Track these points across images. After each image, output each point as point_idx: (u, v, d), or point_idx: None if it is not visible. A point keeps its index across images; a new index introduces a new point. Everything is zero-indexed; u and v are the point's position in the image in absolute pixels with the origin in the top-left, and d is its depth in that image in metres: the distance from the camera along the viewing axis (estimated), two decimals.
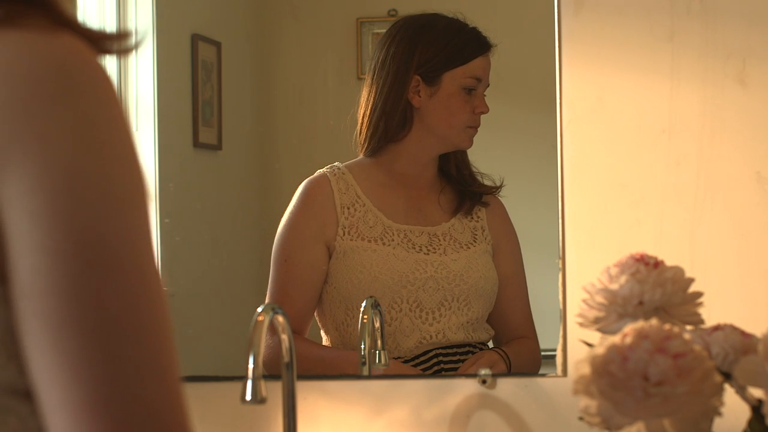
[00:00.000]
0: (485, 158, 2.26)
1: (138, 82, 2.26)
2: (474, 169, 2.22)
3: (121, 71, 2.24)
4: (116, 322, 0.82)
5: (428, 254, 2.16)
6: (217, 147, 2.37)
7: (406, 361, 2.13)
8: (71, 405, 0.81)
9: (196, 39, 2.33)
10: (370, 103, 2.17)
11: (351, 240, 2.16)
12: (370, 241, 2.16)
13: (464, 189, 2.21)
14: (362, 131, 2.19)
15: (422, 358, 2.14)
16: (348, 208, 2.18)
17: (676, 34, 2.00)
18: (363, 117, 2.18)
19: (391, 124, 2.17)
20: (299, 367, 1.90)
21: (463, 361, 2.15)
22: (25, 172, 0.81)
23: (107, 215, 0.83)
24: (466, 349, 2.17)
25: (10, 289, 0.83)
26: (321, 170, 2.20)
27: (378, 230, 2.17)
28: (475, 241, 2.19)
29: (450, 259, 2.17)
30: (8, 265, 0.82)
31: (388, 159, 2.20)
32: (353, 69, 2.35)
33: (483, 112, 2.17)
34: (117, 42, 0.92)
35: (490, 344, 2.20)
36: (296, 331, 2.13)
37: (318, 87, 2.37)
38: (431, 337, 2.14)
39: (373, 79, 2.17)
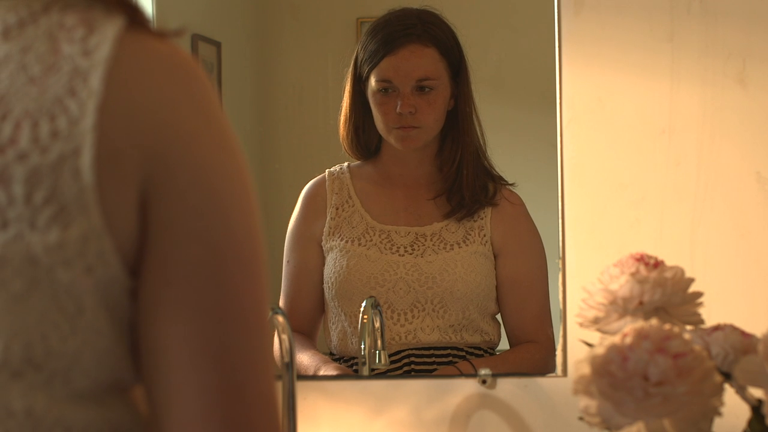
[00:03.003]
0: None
1: None
2: (487, 168, 2.17)
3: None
4: (252, 314, 0.89)
5: (403, 256, 2.14)
6: None
7: None
8: (209, 387, 0.86)
9: (196, 39, 2.33)
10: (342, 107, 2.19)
11: (333, 240, 2.17)
12: (347, 242, 2.16)
13: (459, 190, 2.17)
14: (344, 137, 2.20)
15: (393, 358, 2.13)
16: (338, 209, 2.18)
17: (676, 34, 2.00)
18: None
19: (358, 128, 2.18)
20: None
21: (438, 363, 2.13)
22: (183, 170, 0.87)
23: (249, 211, 0.90)
24: (447, 351, 2.14)
25: (145, 283, 0.87)
26: (327, 170, 2.22)
27: (359, 230, 2.16)
28: (466, 242, 2.16)
29: (425, 261, 2.14)
30: (149, 262, 0.87)
31: (382, 160, 2.21)
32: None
33: (402, 112, 2.12)
34: None
35: (502, 347, 2.18)
36: (304, 333, 2.14)
37: (318, 87, 2.37)
38: (401, 338, 2.13)
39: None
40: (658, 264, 1.41)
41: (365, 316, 2.07)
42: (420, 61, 2.14)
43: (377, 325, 2.07)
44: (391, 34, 2.14)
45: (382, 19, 2.17)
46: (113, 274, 0.86)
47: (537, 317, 2.16)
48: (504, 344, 2.19)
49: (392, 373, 2.12)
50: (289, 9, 2.39)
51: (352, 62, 2.18)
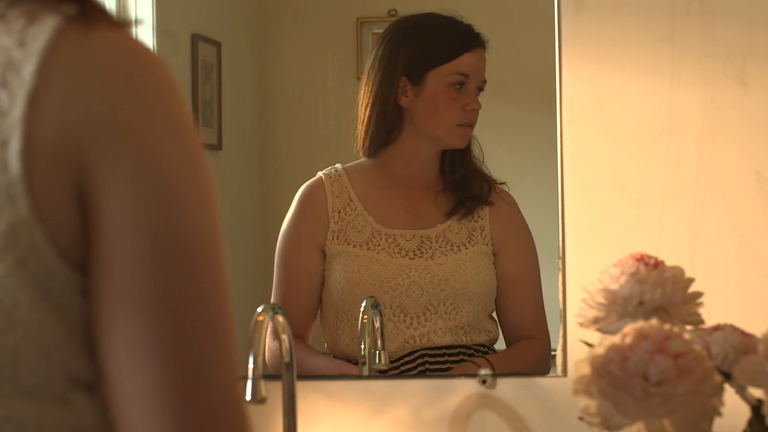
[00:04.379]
0: (485, 158, 2.26)
1: None
2: (480, 168, 2.19)
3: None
4: (205, 308, 0.86)
5: (413, 259, 2.15)
6: (217, 147, 2.37)
7: (391, 362, 2.13)
8: (160, 387, 0.83)
9: (196, 39, 2.33)
10: (363, 106, 2.17)
11: (338, 245, 2.16)
12: (355, 246, 2.15)
13: (458, 193, 2.19)
14: (359, 134, 2.19)
15: (406, 359, 2.14)
16: (339, 212, 2.18)
17: (676, 34, 2.00)
18: (358, 120, 2.18)
19: (382, 126, 2.16)
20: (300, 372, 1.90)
21: (451, 362, 2.14)
22: (122, 161, 0.84)
23: (197, 202, 0.87)
24: (458, 350, 2.15)
25: (93, 279, 0.85)
26: (320, 173, 2.20)
27: (365, 235, 2.16)
28: (471, 242, 2.17)
29: (436, 264, 2.15)
30: (94, 256, 0.85)
31: (384, 161, 2.20)
32: (353, 69, 2.35)
33: (474, 109, 2.15)
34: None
35: (499, 345, 2.19)
36: (299, 336, 2.13)
37: (318, 87, 2.37)
38: (415, 341, 2.14)
39: (366, 81, 2.17)
40: (658, 264, 1.41)
41: (365, 316, 2.07)
42: (484, 63, 2.18)
43: (377, 325, 2.07)
44: (467, 33, 2.16)
45: (434, 20, 2.17)
46: (50, 267, 0.84)
47: (535, 313, 2.17)
48: (500, 341, 2.20)
49: (407, 374, 2.12)
50: (289, 9, 2.39)
51: (384, 62, 2.15)
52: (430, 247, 2.16)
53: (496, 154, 2.26)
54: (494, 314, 2.20)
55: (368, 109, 2.17)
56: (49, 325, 0.85)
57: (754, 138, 2.00)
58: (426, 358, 2.14)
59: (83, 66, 0.85)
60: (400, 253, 2.15)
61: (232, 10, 2.46)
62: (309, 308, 2.18)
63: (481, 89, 2.16)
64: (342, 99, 2.33)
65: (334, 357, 2.17)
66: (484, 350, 2.17)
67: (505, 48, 2.26)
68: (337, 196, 2.19)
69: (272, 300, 2.18)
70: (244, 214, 2.42)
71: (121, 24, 0.89)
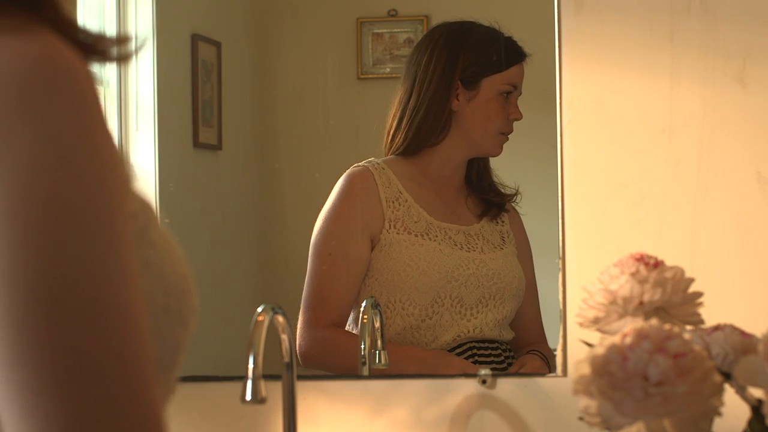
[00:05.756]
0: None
1: (138, 82, 2.26)
2: (495, 179, 2.25)
3: (121, 71, 2.24)
4: (69, 356, 0.75)
5: (469, 252, 2.19)
6: (217, 147, 2.37)
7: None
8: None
9: (196, 39, 2.33)
10: (412, 105, 2.19)
11: (397, 233, 2.18)
12: (416, 236, 2.18)
13: (484, 196, 2.25)
14: (400, 132, 2.20)
15: (458, 350, 2.17)
16: (393, 202, 2.20)
17: (676, 34, 2.00)
18: (401, 119, 2.19)
19: (433, 127, 2.20)
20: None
21: (493, 356, 2.18)
22: None
23: (62, 240, 0.76)
24: (495, 345, 2.19)
25: None
26: (360, 164, 2.21)
27: (422, 225, 2.19)
28: (505, 244, 2.24)
29: (489, 258, 2.20)
30: None
31: (423, 160, 2.22)
32: (353, 69, 2.35)
33: (517, 119, 2.20)
34: (116, 47, 0.89)
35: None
36: (338, 324, 2.15)
37: (318, 87, 2.37)
38: (468, 332, 2.17)
39: (415, 81, 2.19)
40: (658, 264, 1.41)
41: (365, 316, 2.07)
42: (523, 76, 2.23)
43: (377, 325, 2.07)
44: (515, 46, 2.21)
45: (478, 28, 2.21)
46: None
47: (539, 320, 2.23)
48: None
49: (461, 356, 2.16)
50: (289, 9, 2.39)
51: (441, 64, 2.18)
52: (477, 243, 2.21)
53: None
54: None
55: (417, 109, 2.19)
56: None
57: (754, 138, 2.00)
58: (475, 350, 2.17)
59: None
60: (456, 245, 2.19)
61: (232, 10, 2.46)
62: (352, 297, 2.19)
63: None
64: (342, 99, 2.33)
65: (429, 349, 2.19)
66: (510, 347, 2.22)
67: None
68: (387, 187, 2.21)
69: (308, 288, 2.18)
70: (244, 214, 2.42)
71: (35, 25, 0.80)
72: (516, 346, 2.22)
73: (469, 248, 2.20)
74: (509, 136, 2.22)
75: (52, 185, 0.76)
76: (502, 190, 2.25)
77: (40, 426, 0.74)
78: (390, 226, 2.18)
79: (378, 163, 2.21)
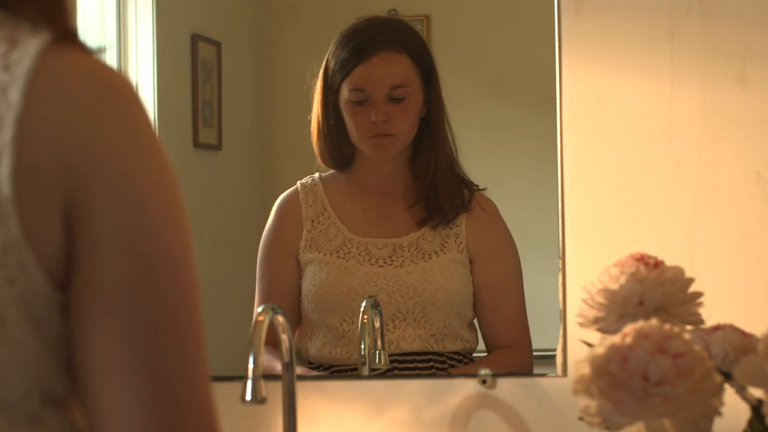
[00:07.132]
0: (485, 158, 2.26)
1: (138, 82, 2.26)
2: (458, 173, 2.16)
3: (121, 71, 2.24)
4: (185, 325, 0.90)
5: (383, 267, 2.13)
6: (217, 147, 2.37)
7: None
8: (144, 403, 0.86)
9: (196, 39, 2.33)
10: (315, 120, 2.16)
11: (310, 253, 2.16)
12: (325, 254, 2.15)
13: (436, 200, 2.15)
14: (323, 148, 2.17)
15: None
16: (313, 221, 2.17)
17: (676, 35, 2.01)
18: (317, 136, 2.17)
19: (337, 139, 2.15)
20: None
21: (421, 368, 2.13)
22: (108, 186, 0.87)
23: (178, 223, 0.90)
24: (429, 357, 2.14)
25: (75, 297, 0.87)
26: (298, 182, 2.19)
27: (337, 243, 2.15)
28: (444, 250, 2.14)
29: (405, 272, 2.13)
30: (79, 276, 0.87)
31: (355, 171, 2.19)
32: None
33: (378, 120, 2.11)
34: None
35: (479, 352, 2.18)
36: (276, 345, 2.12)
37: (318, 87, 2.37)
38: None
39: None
40: (658, 264, 1.41)
41: (365, 316, 2.07)
42: (392, 68, 2.13)
43: (377, 325, 2.07)
44: (362, 43, 2.12)
45: (350, 28, 2.15)
46: (36, 285, 0.86)
47: (513, 322, 2.16)
48: (481, 350, 2.19)
49: (408, 373, 2.12)
50: (289, 9, 2.39)
51: (322, 72, 2.15)
52: (401, 256, 2.14)
53: (496, 155, 2.26)
54: (476, 322, 2.19)
55: (319, 123, 2.17)
56: (30, 342, 0.87)
57: (754, 138, 2.00)
58: (395, 364, 2.12)
59: (68, 91, 0.87)
60: (370, 261, 2.14)
61: (232, 10, 2.46)
62: (289, 317, 2.17)
63: (393, 97, 2.12)
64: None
65: (309, 364, 2.16)
66: (459, 358, 2.16)
67: (505, 48, 2.26)
68: (311, 205, 2.18)
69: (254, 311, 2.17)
70: (243, 214, 2.42)
71: (92, 50, 0.91)
72: (488, 348, 2.17)
73: (386, 263, 2.13)
74: (510, 133, 2.20)
75: (163, 176, 0.90)
76: (465, 190, 2.15)
77: (161, 386, 0.88)
78: (306, 246, 2.16)
79: (312, 180, 2.19)
